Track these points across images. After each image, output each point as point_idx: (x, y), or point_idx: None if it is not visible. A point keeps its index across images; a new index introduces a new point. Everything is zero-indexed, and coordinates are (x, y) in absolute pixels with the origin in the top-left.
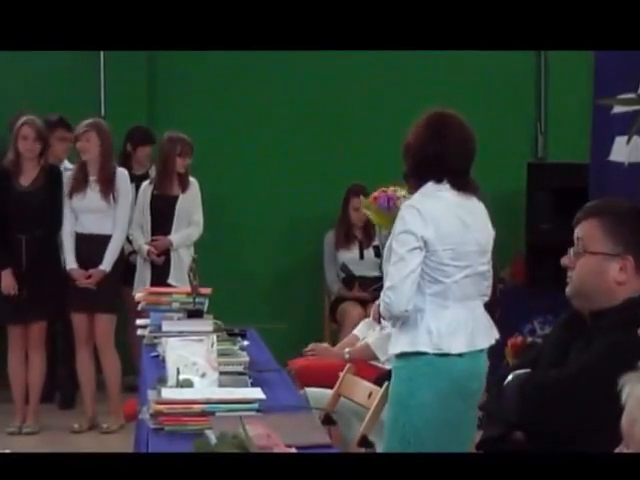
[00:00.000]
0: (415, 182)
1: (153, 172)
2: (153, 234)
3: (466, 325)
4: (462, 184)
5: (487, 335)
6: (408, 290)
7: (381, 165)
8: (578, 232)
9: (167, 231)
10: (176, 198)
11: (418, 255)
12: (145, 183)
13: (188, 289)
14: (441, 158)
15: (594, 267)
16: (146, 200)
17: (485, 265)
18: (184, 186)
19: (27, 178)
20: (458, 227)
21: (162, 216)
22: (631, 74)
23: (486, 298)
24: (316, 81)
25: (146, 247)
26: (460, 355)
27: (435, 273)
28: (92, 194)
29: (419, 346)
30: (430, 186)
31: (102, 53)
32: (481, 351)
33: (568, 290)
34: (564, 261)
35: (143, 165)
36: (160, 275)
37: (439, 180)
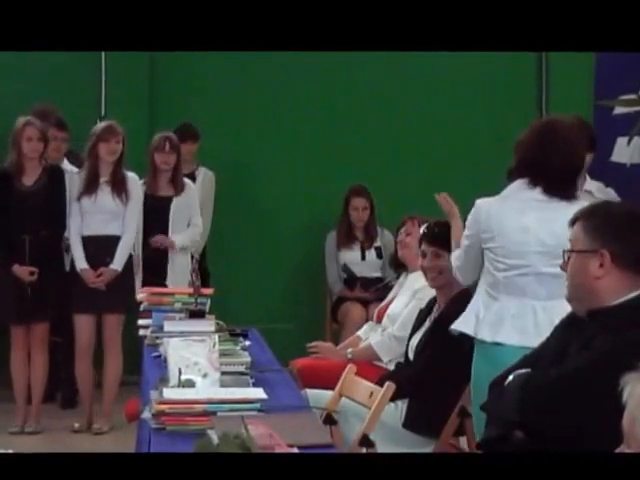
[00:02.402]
0: (514, 179)
1: (200, 172)
2: (146, 236)
3: (513, 319)
4: (557, 189)
5: None
6: (459, 268)
7: (382, 165)
8: (570, 235)
9: (161, 233)
10: (169, 199)
11: (467, 244)
12: (140, 182)
13: (190, 289)
14: (540, 163)
15: (577, 266)
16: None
17: (556, 267)
18: (177, 187)
19: (30, 178)
20: (515, 227)
21: (154, 217)
22: (632, 75)
23: None
24: (318, 82)
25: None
26: (500, 344)
27: (489, 265)
28: (103, 195)
29: (463, 327)
30: (514, 185)
31: (103, 53)
32: None
33: (565, 294)
34: (561, 265)
35: (188, 162)
36: (157, 278)
37: (534, 182)
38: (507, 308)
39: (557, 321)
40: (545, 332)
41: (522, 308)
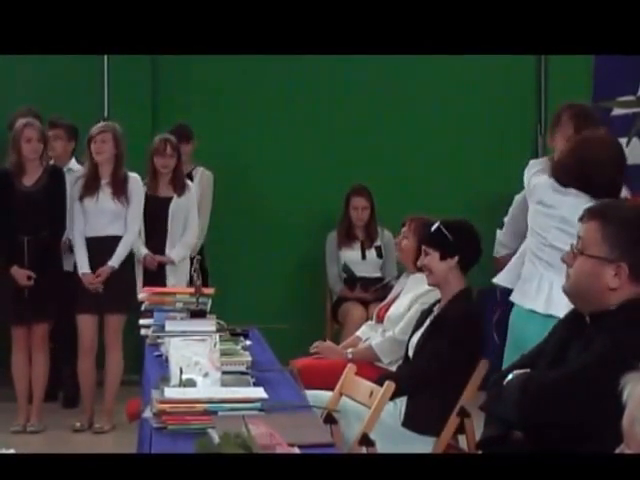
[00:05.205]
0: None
1: (197, 172)
2: (148, 236)
3: (522, 282)
4: (593, 193)
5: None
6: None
7: (382, 165)
8: (580, 231)
9: (161, 233)
10: (168, 200)
11: (513, 207)
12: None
13: (191, 289)
14: (574, 171)
15: (588, 270)
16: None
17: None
18: (177, 188)
19: (30, 179)
20: (549, 200)
21: (154, 218)
22: (630, 77)
23: None
24: (318, 82)
25: (144, 252)
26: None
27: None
28: (104, 196)
29: (504, 281)
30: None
31: (106, 56)
32: (533, 313)
33: (564, 286)
34: (563, 257)
35: (185, 162)
36: (156, 279)
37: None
38: (528, 269)
39: (555, 294)
40: (541, 300)
41: (532, 273)
